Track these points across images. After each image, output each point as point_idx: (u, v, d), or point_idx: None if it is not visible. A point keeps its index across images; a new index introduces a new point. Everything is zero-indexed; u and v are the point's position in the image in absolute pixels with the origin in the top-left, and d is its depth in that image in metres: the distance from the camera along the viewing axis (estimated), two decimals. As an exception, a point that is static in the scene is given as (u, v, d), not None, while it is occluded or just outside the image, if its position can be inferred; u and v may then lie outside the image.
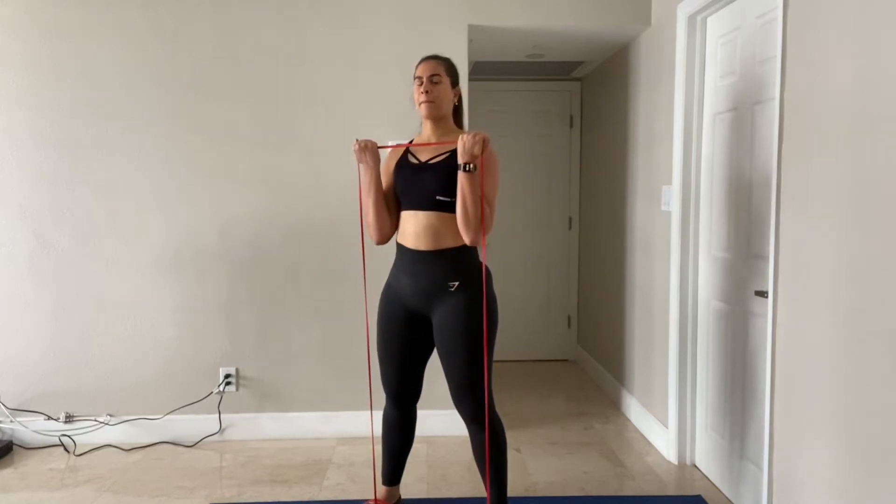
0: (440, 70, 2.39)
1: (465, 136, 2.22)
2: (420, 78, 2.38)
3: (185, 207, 3.42)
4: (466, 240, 2.29)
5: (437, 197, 2.33)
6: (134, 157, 3.39)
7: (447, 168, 2.33)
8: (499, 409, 2.50)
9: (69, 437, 3.42)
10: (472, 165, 2.21)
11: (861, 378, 1.90)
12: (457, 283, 2.34)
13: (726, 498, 2.84)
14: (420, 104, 2.39)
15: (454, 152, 2.35)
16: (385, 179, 2.51)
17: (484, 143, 2.21)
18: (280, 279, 3.47)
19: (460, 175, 2.23)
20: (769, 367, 2.32)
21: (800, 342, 2.17)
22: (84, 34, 3.34)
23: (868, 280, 1.86)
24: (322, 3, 3.40)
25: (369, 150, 2.40)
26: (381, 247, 2.55)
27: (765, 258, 2.53)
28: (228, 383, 3.49)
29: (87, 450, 3.38)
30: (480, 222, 2.27)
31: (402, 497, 2.80)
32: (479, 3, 3.41)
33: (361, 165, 2.43)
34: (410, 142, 2.53)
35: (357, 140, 2.41)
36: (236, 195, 3.43)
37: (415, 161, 2.42)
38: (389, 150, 2.57)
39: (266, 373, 3.51)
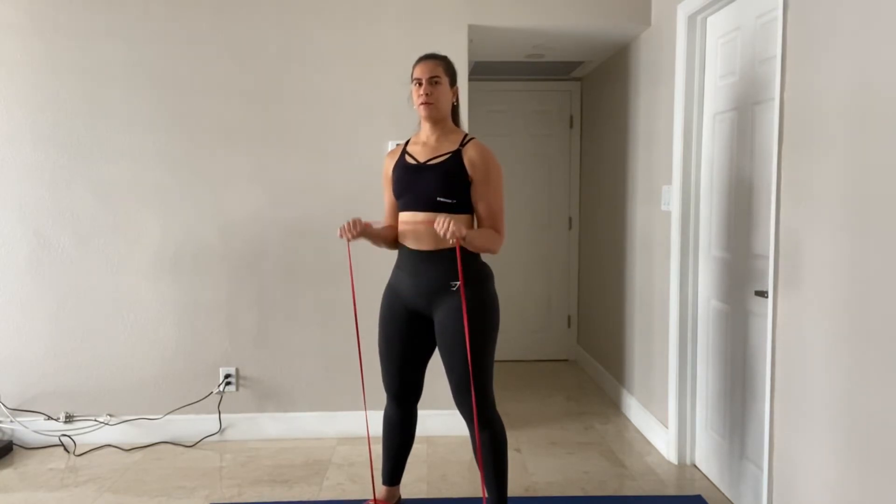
0: (439, 71, 2.38)
1: (436, 226, 2.15)
2: (419, 79, 2.37)
3: (185, 207, 3.42)
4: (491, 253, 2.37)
5: (438, 198, 2.33)
6: (134, 157, 3.40)
7: (446, 169, 2.33)
8: (499, 409, 2.51)
9: (69, 437, 3.42)
10: (462, 240, 2.20)
11: (861, 378, 1.90)
12: (458, 283, 2.34)
13: (726, 498, 2.84)
14: (419, 107, 2.38)
15: (454, 153, 2.35)
16: (386, 185, 2.52)
17: (454, 228, 2.13)
18: (280, 279, 3.47)
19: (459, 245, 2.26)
20: (769, 367, 2.32)
21: (800, 342, 2.17)
22: (84, 34, 3.34)
23: (868, 280, 1.86)
24: (322, 3, 3.40)
25: (359, 229, 2.33)
26: (379, 248, 2.55)
27: (765, 258, 2.53)
28: (228, 383, 3.49)
29: (87, 450, 3.38)
30: (496, 239, 2.34)
31: (402, 497, 2.80)
32: (479, 3, 3.41)
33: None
34: (404, 147, 2.51)
35: (341, 229, 2.31)
36: (236, 195, 3.44)
37: (413, 162, 2.42)
38: (387, 156, 2.56)
39: (266, 373, 3.51)
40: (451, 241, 2.22)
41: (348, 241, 2.34)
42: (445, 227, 2.13)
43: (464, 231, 2.16)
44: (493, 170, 2.35)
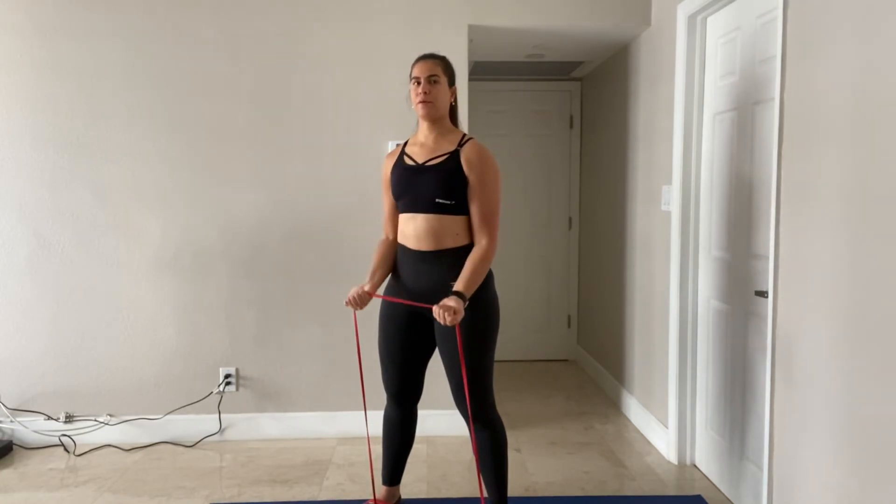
0: (438, 70, 2.37)
1: (436, 311, 2.13)
2: (417, 78, 2.37)
3: (185, 207, 3.42)
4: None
5: (437, 200, 2.32)
6: (134, 157, 3.40)
7: (445, 170, 2.32)
8: (499, 409, 2.50)
9: (69, 437, 3.42)
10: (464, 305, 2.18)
11: (861, 378, 1.90)
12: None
13: (726, 498, 2.84)
14: (418, 105, 2.38)
15: (452, 154, 2.35)
16: (386, 187, 2.52)
17: (455, 313, 2.11)
18: (280, 279, 3.47)
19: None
20: (769, 367, 2.32)
21: (800, 342, 2.17)
22: (84, 34, 3.34)
23: (868, 280, 1.86)
24: (322, 3, 3.40)
25: (366, 300, 2.37)
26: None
27: (765, 258, 2.53)
28: (228, 383, 3.49)
29: (87, 450, 3.38)
30: (486, 261, 2.30)
31: (402, 497, 2.80)
32: (479, 3, 3.41)
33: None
34: (403, 148, 2.52)
35: (347, 302, 2.34)
36: (236, 195, 3.44)
37: (412, 163, 2.41)
38: (386, 157, 2.57)
39: (266, 373, 3.51)
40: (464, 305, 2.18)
41: (355, 310, 2.39)
42: (442, 318, 2.11)
43: (461, 309, 2.13)
44: (488, 171, 2.33)
